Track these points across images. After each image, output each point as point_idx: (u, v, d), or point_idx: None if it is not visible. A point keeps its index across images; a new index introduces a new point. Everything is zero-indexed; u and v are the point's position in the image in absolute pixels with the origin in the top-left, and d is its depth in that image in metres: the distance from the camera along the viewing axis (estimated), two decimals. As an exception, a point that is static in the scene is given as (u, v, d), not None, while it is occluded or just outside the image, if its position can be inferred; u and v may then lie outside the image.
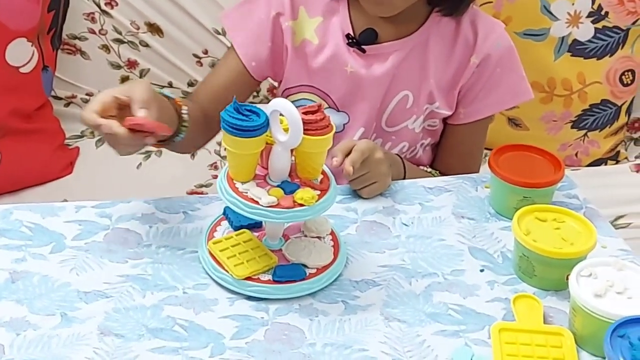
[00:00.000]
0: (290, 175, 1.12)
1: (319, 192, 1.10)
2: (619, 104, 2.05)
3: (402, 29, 1.41)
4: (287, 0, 1.42)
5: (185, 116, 1.25)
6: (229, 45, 1.97)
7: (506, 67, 1.45)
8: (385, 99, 1.44)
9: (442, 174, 1.49)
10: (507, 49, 1.45)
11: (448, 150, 1.53)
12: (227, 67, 1.47)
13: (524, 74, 1.48)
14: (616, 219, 1.90)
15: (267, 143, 1.10)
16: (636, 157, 2.13)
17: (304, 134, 1.07)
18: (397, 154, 1.40)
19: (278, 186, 1.10)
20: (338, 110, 1.46)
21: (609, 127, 2.07)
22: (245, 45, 1.44)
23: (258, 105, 1.10)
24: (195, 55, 2.13)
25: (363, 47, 1.41)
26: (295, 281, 1.11)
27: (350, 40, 1.41)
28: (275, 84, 1.58)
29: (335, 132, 1.45)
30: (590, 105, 2.04)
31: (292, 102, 1.44)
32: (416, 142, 1.49)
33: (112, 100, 1.11)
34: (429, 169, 1.51)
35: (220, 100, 1.35)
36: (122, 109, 1.12)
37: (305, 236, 1.19)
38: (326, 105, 1.46)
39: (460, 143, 1.51)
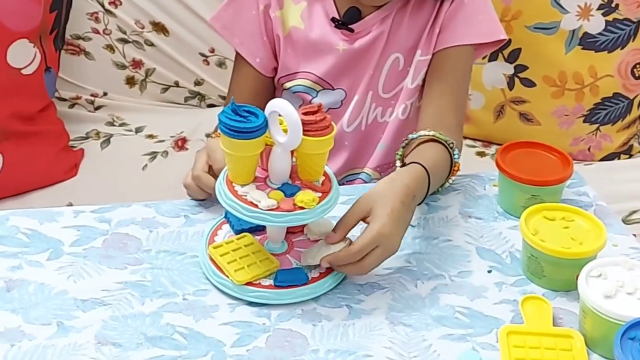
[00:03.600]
0: (291, 177, 1.10)
1: (320, 195, 1.07)
2: (631, 97, 2.01)
3: None
4: None
5: None
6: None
7: (476, 0, 1.42)
8: (378, 66, 1.43)
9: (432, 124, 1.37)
10: None
11: (428, 85, 1.45)
12: (242, 77, 1.46)
13: (496, 15, 1.45)
14: (630, 214, 1.86)
15: (266, 144, 1.08)
16: (649, 151, 2.10)
17: (304, 135, 1.05)
18: (419, 163, 1.21)
19: (278, 189, 1.08)
20: (333, 89, 1.45)
21: (622, 121, 2.03)
22: (244, 45, 1.44)
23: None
24: (202, 54, 2.11)
25: (351, 26, 1.41)
26: (297, 286, 1.09)
27: (337, 23, 1.41)
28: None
29: (333, 109, 1.45)
30: (602, 99, 2.00)
31: (288, 89, 1.45)
32: (412, 100, 1.47)
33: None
34: (431, 132, 1.31)
35: (258, 101, 1.35)
36: None
37: (309, 239, 1.17)
38: (321, 88, 1.45)
39: (436, 73, 1.44)
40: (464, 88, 1.44)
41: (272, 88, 1.49)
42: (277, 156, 1.07)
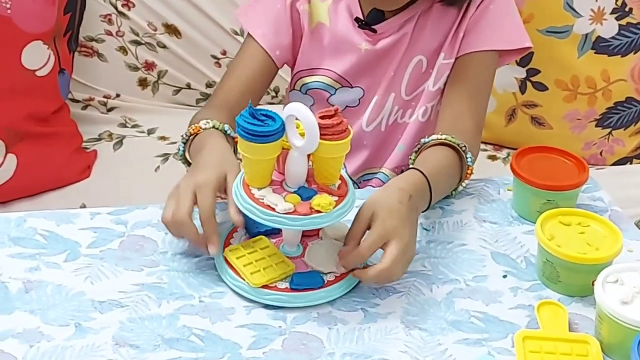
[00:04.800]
0: (307, 180, 1.10)
1: (336, 198, 1.08)
2: (644, 102, 2.02)
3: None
4: None
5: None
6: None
7: (499, 6, 1.42)
8: (400, 68, 1.44)
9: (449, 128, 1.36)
10: None
11: (448, 89, 1.45)
12: (251, 59, 1.44)
13: (522, 23, 1.45)
14: (642, 219, 1.87)
15: (283, 148, 1.08)
16: (662, 156, 2.09)
17: (321, 138, 1.05)
18: (415, 169, 1.22)
19: (295, 192, 1.08)
20: (352, 87, 1.46)
21: (634, 125, 2.03)
22: (267, 37, 1.43)
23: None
24: (214, 56, 2.12)
25: (374, 27, 1.41)
26: (313, 289, 1.09)
27: (360, 23, 1.42)
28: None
29: (350, 107, 1.46)
30: (614, 103, 2.00)
31: (305, 84, 1.46)
32: (433, 103, 1.47)
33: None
34: (443, 136, 1.31)
35: (253, 91, 1.40)
36: None
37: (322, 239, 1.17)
38: (339, 85, 1.45)
39: (457, 77, 1.44)
40: (484, 93, 1.43)
41: (274, 75, 1.47)
42: (293, 160, 1.08)
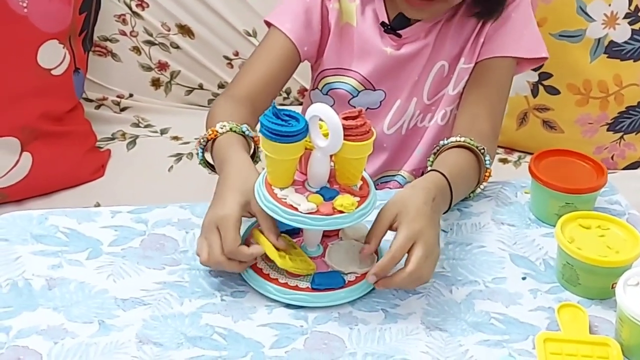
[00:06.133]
0: (329, 181, 1.11)
1: (358, 199, 1.08)
2: (656, 106, 2.02)
3: (431, 7, 1.39)
4: None
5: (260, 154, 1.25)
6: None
7: (520, 15, 1.43)
8: (423, 74, 1.45)
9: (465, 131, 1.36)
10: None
11: (466, 93, 1.46)
12: (276, 52, 1.42)
13: (540, 34, 1.47)
14: (653, 223, 1.86)
15: (306, 148, 1.09)
16: (673, 160, 2.10)
17: (344, 139, 1.05)
18: (437, 171, 1.23)
19: (317, 192, 1.09)
20: (374, 90, 1.46)
21: (646, 130, 2.04)
22: (295, 31, 1.42)
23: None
24: (226, 57, 2.12)
25: (399, 32, 1.42)
26: (334, 289, 1.10)
27: (385, 28, 1.42)
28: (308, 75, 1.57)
29: (371, 109, 1.47)
30: (626, 108, 2.00)
31: (329, 84, 1.47)
32: (452, 107, 1.48)
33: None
34: (462, 138, 1.31)
35: (275, 84, 1.41)
36: None
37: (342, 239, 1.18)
38: (363, 88, 1.46)
39: (475, 81, 1.45)
40: (501, 98, 1.44)
41: (296, 69, 1.46)
42: (316, 160, 1.08)
